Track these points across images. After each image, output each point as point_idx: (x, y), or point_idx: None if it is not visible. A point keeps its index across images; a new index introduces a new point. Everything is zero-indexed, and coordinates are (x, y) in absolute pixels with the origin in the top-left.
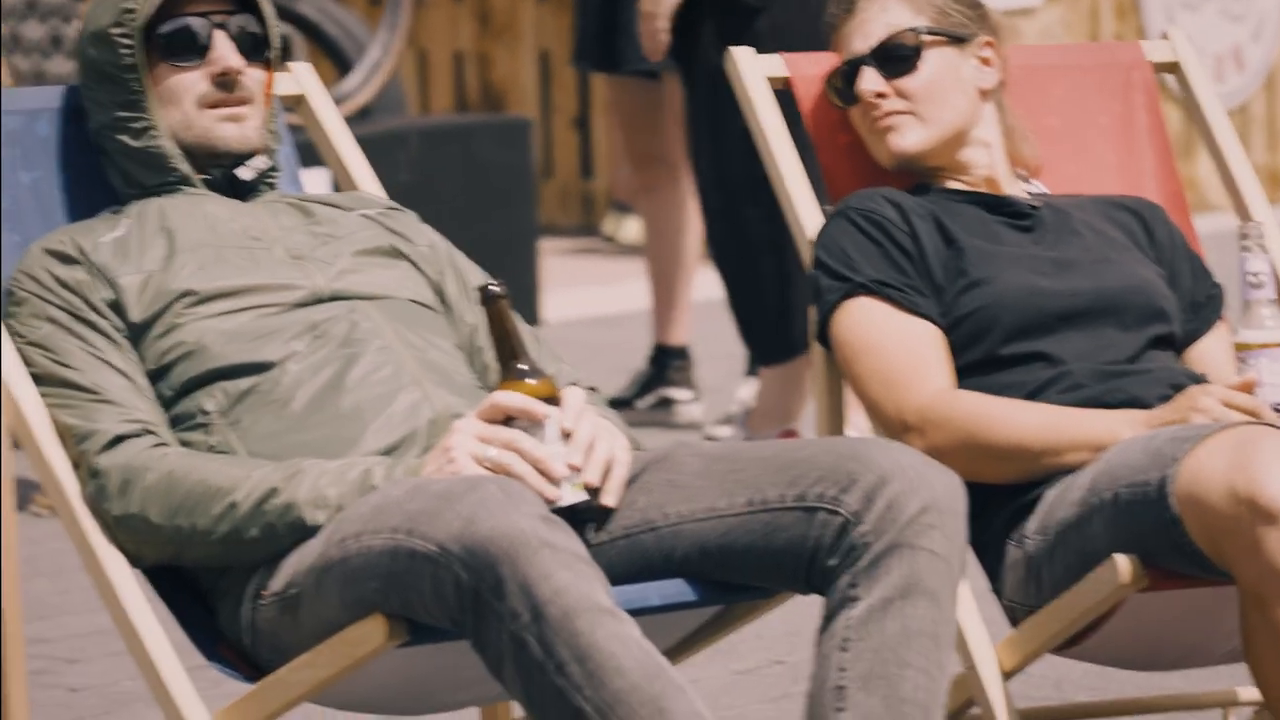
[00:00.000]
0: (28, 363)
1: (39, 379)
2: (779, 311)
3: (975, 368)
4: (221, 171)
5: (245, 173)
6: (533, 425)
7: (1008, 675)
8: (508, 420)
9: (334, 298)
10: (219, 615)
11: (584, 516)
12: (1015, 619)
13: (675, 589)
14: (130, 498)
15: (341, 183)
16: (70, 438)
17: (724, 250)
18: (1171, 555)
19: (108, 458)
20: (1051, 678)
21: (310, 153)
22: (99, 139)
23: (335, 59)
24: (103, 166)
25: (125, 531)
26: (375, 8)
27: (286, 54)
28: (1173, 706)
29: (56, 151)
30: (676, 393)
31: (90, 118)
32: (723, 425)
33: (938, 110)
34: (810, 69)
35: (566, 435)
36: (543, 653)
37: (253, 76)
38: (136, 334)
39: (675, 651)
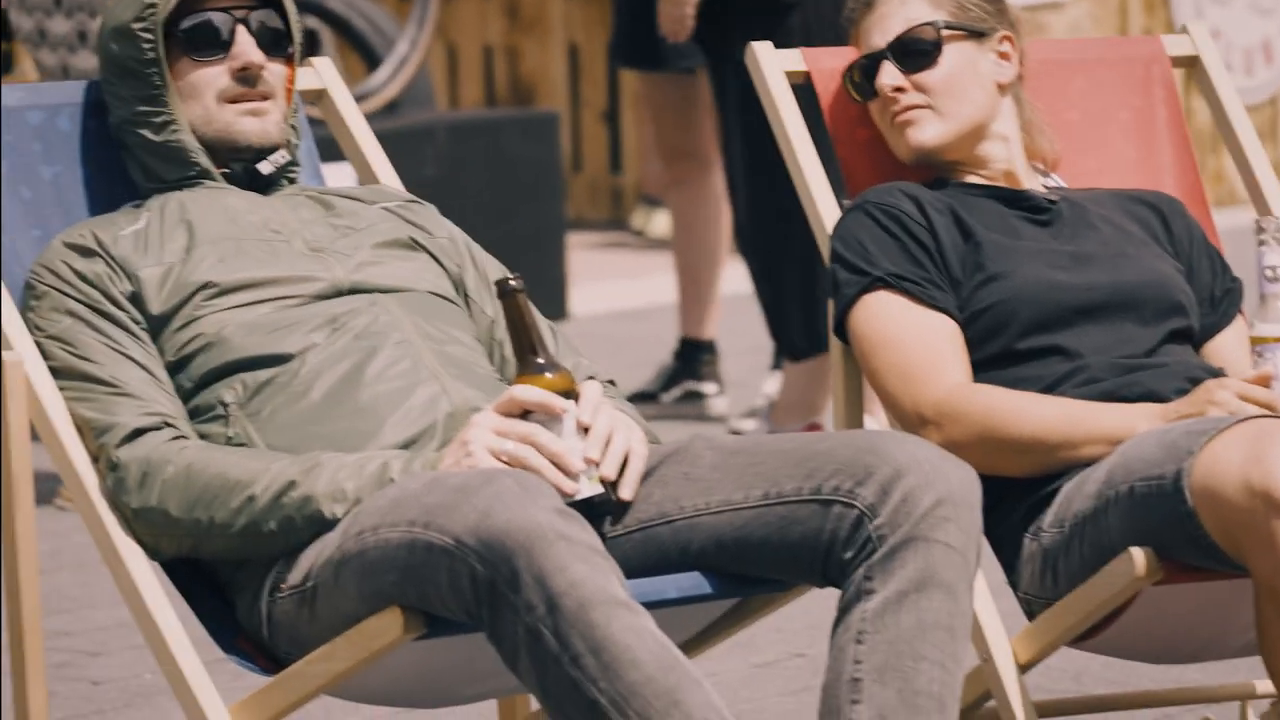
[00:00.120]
0: (47, 356)
1: (58, 372)
2: (806, 306)
3: (992, 362)
4: (242, 166)
5: (265, 167)
6: (550, 419)
7: (1024, 668)
8: (525, 414)
9: (353, 290)
10: (237, 608)
11: (600, 510)
12: (1031, 612)
13: (691, 582)
14: (149, 491)
15: (362, 177)
16: (89, 431)
17: (753, 244)
18: (1187, 548)
19: (127, 451)
20: (1071, 671)
21: (331, 147)
22: (120, 133)
23: (363, 54)
24: (124, 161)
25: (144, 524)
26: (404, 3)
27: (314, 48)
28: (1190, 700)
29: (78, 146)
30: (702, 386)
31: (111, 112)
32: (747, 419)
33: (956, 105)
34: (829, 63)
35: (584, 429)
36: (558, 645)
37: (274, 71)
38: (156, 326)
39: (692, 644)
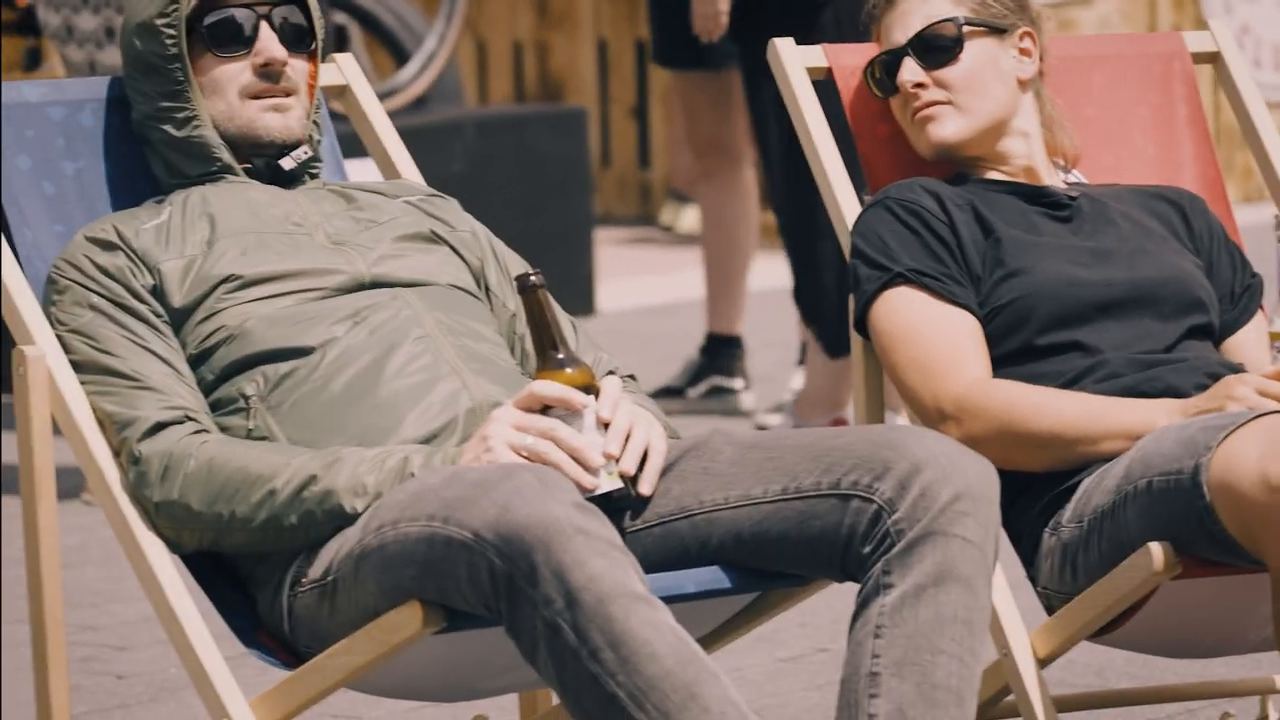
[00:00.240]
0: (69, 350)
1: (80, 366)
2: (844, 299)
3: (1012, 357)
4: (264, 161)
5: (288, 163)
6: (570, 414)
7: (1043, 662)
8: (545, 409)
9: (374, 283)
10: (258, 603)
11: (620, 504)
12: (1051, 607)
13: (710, 576)
14: (171, 484)
15: (385, 173)
16: (111, 425)
17: (793, 241)
18: (1205, 543)
19: (148, 445)
20: (1094, 666)
21: (354, 143)
22: (142, 129)
23: (392, 49)
24: (146, 157)
25: (165, 518)
26: None
27: (343, 44)
28: (1210, 694)
29: (101, 142)
30: (728, 381)
31: (134, 108)
32: (773, 414)
33: (977, 101)
34: (851, 60)
35: (603, 424)
36: (576, 639)
37: (296, 67)
38: (178, 319)
39: (712, 639)
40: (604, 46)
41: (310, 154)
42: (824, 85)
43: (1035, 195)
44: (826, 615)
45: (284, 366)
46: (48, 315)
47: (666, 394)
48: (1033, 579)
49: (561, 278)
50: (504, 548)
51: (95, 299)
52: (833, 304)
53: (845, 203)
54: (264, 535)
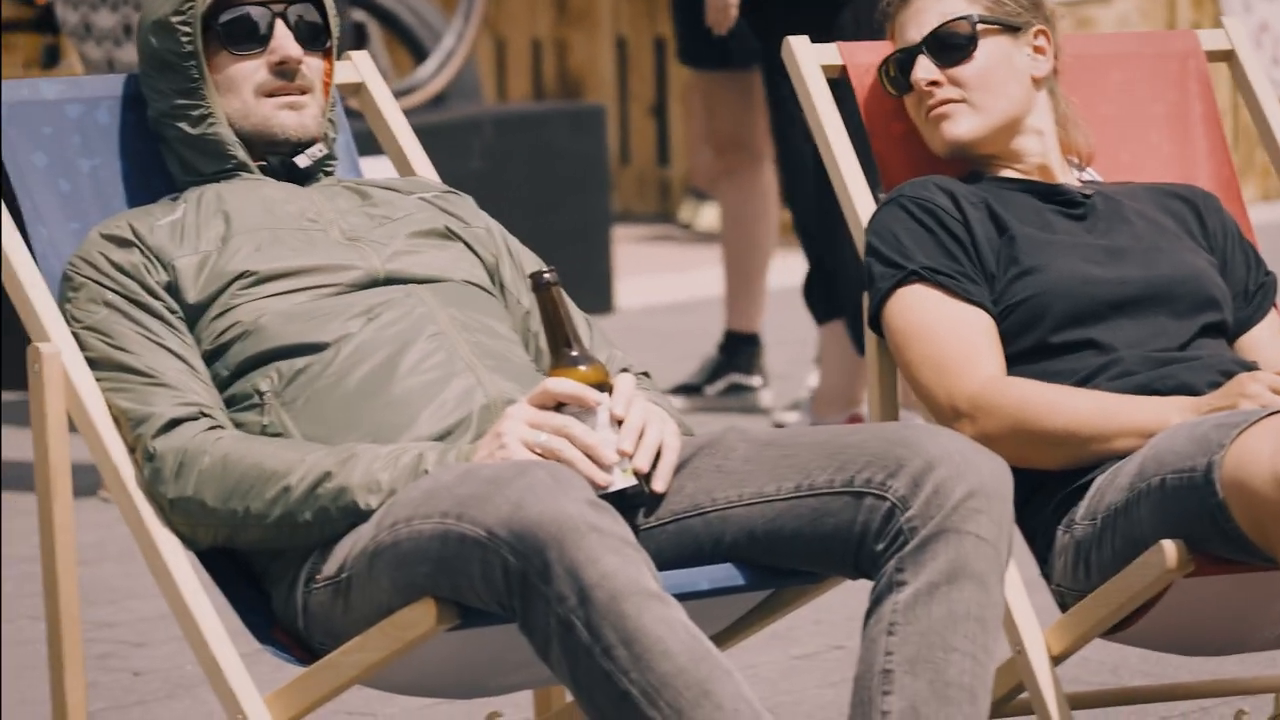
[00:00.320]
0: (84, 347)
1: (95, 363)
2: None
3: (1026, 355)
4: (279, 159)
5: (303, 161)
6: (584, 411)
7: (1056, 660)
8: (559, 406)
9: (389, 279)
10: (273, 599)
11: (633, 501)
12: (1065, 604)
13: (724, 573)
14: (185, 481)
15: (400, 171)
16: (126, 422)
17: (820, 235)
18: (1217, 540)
19: (163, 441)
20: (1108, 663)
21: (369, 141)
22: (158, 126)
23: (411, 47)
24: (162, 154)
25: (180, 514)
26: None
27: (362, 42)
28: (1224, 692)
29: (117, 139)
30: (746, 379)
31: (149, 106)
32: (791, 411)
33: (991, 99)
34: (865, 58)
35: (617, 421)
36: (589, 636)
37: (312, 65)
38: (193, 315)
39: (725, 636)
40: (623, 44)
41: (325, 152)
42: (839, 83)
43: (1050, 193)
44: (841, 613)
45: (299, 362)
46: (63, 312)
47: (684, 391)
48: (1047, 576)
49: (580, 275)
50: (517, 545)
51: (110, 296)
52: (852, 297)
53: (860, 201)
54: (278, 531)
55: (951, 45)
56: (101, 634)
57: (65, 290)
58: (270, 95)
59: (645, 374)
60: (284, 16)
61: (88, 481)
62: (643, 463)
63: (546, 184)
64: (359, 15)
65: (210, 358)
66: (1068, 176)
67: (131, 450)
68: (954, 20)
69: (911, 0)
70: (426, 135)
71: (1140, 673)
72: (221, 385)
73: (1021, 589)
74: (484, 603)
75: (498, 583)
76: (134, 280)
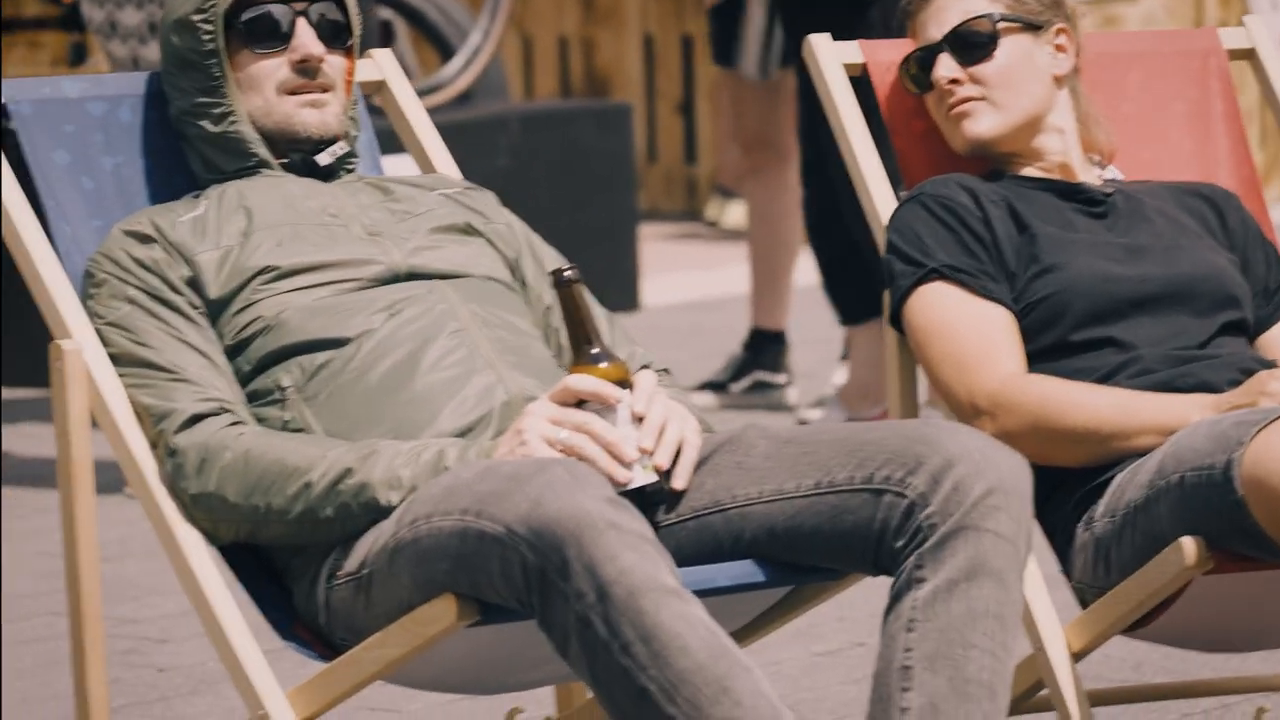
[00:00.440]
0: (106, 343)
1: (117, 359)
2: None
3: (1047, 353)
4: (300, 157)
5: (324, 159)
6: (604, 408)
7: (1076, 657)
8: (580, 403)
9: (410, 274)
10: (295, 595)
11: (654, 498)
12: (1085, 601)
13: (743, 570)
14: (207, 476)
15: (422, 169)
16: (148, 417)
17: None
18: (1236, 538)
19: (185, 437)
20: (1130, 660)
21: (391, 139)
22: (180, 124)
23: (437, 44)
24: (184, 152)
25: (202, 510)
26: None
27: (389, 40)
28: (1245, 689)
29: (139, 137)
30: (771, 376)
31: (171, 104)
32: (816, 409)
33: (1012, 97)
34: (886, 56)
35: (638, 418)
36: (608, 632)
37: (333, 63)
38: (215, 310)
39: (746, 632)
40: (650, 42)
41: (346, 150)
42: (860, 81)
43: (1070, 192)
44: (864, 610)
45: (320, 357)
46: (85, 309)
47: (710, 388)
48: (1066, 573)
49: (606, 273)
50: (536, 542)
51: (132, 292)
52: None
53: (880, 199)
54: (300, 527)
55: (973, 43)
56: (125, 630)
57: (87, 287)
58: (292, 93)
59: (665, 371)
60: (306, 14)
61: (112, 478)
62: (663, 460)
63: (573, 182)
64: (386, 13)
65: (232, 353)
66: (1089, 175)
67: (153, 446)
68: (975, 18)
69: None
70: (453, 133)
71: (1163, 670)
72: (243, 380)
73: (1042, 586)
74: (503, 599)
75: (516, 579)
76: (156, 276)
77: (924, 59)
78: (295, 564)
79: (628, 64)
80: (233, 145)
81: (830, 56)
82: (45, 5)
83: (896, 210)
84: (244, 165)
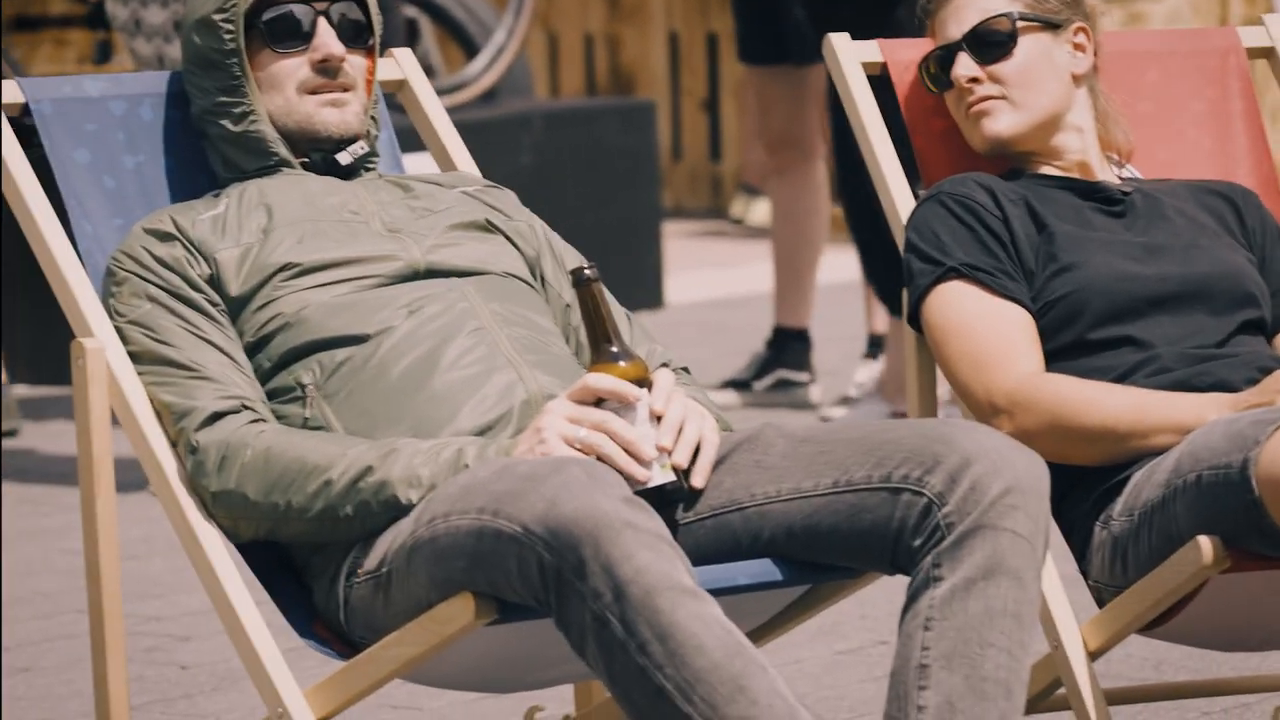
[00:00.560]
0: (127, 341)
1: (138, 357)
2: None
3: (1064, 352)
4: (321, 156)
5: (344, 158)
6: (623, 407)
7: (1093, 655)
8: (599, 401)
9: (430, 270)
10: (314, 593)
11: (672, 497)
12: (1102, 600)
13: (761, 569)
14: (228, 474)
15: (442, 167)
16: (168, 415)
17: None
18: (1253, 537)
19: (205, 434)
20: (1151, 659)
21: (412, 137)
22: (201, 123)
23: (462, 42)
24: (205, 151)
25: (222, 508)
26: None
27: (413, 38)
28: (1264, 688)
29: (160, 136)
30: (794, 375)
31: (192, 103)
32: (839, 407)
33: (1031, 95)
34: (906, 55)
35: (657, 417)
36: (624, 631)
37: (354, 63)
38: (235, 308)
39: (764, 631)
40: (675, 39)
41: (367, 149)
42: (880, 80)
43: (1089, 190)
44: (886, 608)
45: (340, 354)
46: (106, 307)
47: (733, 386)
48: (1084, 572)
49: (630, 270)
50: (552, 541)
51: (153, 290)
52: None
53: (900, 197)
54: (320, 525)
55: (992, 42)
56: (148, 628)
57: (108, 285)
58: (313, 92)
59: (685, 369)
60: (327, 14)
61: (136, 476)
62: (681, 458)
63: (598, 179)
64: (410, 11)
65: (252, 350)
66: (1107, 174)
67: (174, 444)
68: (994, 17)
69: None
70: (478, 131)
71: (1184, 668)
72: (264, 378)
73: (1059, 584)
74: (520, 598)
75: (533, 579)
76: (176, 274)
77: (943, 58)
78: (315, 562)
79: (653, 61)
80: (253, 144)
81: (850, 55)
82: (71, 3)
83: (915, 209)
84: (265, 164)
